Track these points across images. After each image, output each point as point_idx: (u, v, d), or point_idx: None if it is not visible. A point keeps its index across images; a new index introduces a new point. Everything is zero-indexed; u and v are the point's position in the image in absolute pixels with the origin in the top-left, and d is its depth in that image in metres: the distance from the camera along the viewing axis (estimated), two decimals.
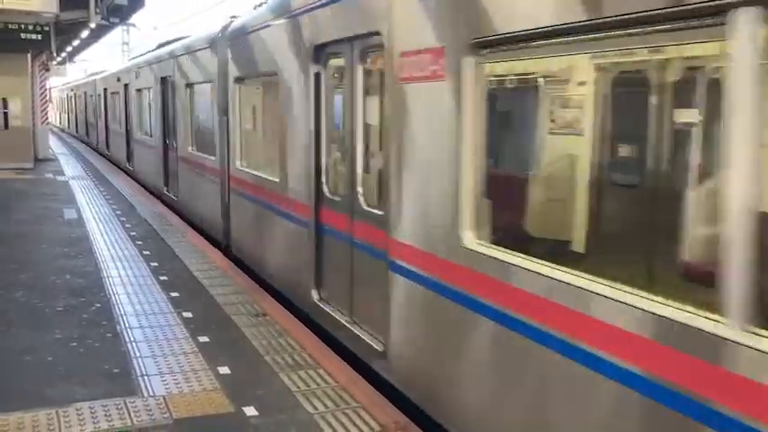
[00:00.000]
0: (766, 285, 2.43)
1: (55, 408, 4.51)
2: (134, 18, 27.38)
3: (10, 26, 16.40)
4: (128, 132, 18.69)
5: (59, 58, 33.14)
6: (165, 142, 13.50)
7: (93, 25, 17.42)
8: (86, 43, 30.24)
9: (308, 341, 5.85)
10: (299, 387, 4.92)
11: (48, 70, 25.49)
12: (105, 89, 23.92)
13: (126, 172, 19.41)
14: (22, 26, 16.48)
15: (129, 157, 18.92)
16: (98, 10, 15.80)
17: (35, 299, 6.98)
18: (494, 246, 3.82)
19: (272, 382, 5.03)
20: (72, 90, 40.85)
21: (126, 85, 18.45)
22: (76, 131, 39.16)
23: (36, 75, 21.93)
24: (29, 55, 19.83)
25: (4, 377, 5.06)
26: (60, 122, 51.96)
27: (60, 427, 4.27)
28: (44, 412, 4.44)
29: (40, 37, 16.91)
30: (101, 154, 26.00)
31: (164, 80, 13.26)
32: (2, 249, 9.32)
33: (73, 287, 7.45)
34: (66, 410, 4.48)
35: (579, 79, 3.73)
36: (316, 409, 4.59)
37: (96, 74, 29.60)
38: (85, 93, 31.88)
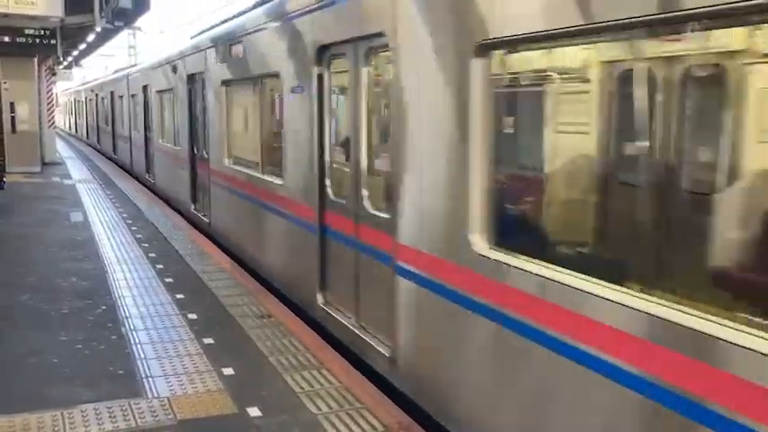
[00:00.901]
0: None
1: (60, 409, 4.54)
2: (139, 22, 26.79)
3: (16, 30, 16.49)
4: (194, 157, 11.69)
5: (66, 63, 33.19)
6: (322, 191, 6.24)
7: (98, 29, 17.47)
8: (93, 47, 30.25)
9: (312, 342, 5.86)
10: (302, 388, 4.93)
11: (54, 74, 25.64)
12: (146, 87, 16.30)
13: (184, 215, 12.45)
14: (29, 30, 16.57)
15: (196, 197, 11.81)
16: (103, 14, 15.85)
17: (41, 301, 7.02)
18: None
19: (275, 382, 5.04)
20: (92, 90, 31.66)
21: (192, 78, 11.34)
22: (98, 143, 30.46)
23: (43, 79, 22.05)
24: (35, 59, 19.94)
25: (10, 379, 5.09)
26: (77, 131, 43.12)
27: (65, 429, 4.29)
28: (49, 414, 4.47)
29: (46, 41, 16.99)
30: (141, 182, 17.94)
31: (324, 51, 6.09)
32: (8, 252, 9.37)
33: (78, 289, 7.49)
34: (70, 412, 4.51)
35: None
36: (319, 409, 4.60)
37: (130, 67, 22.62)
38: (112, 93, 23.97)
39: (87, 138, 35.99)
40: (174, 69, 12.59)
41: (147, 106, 16.30)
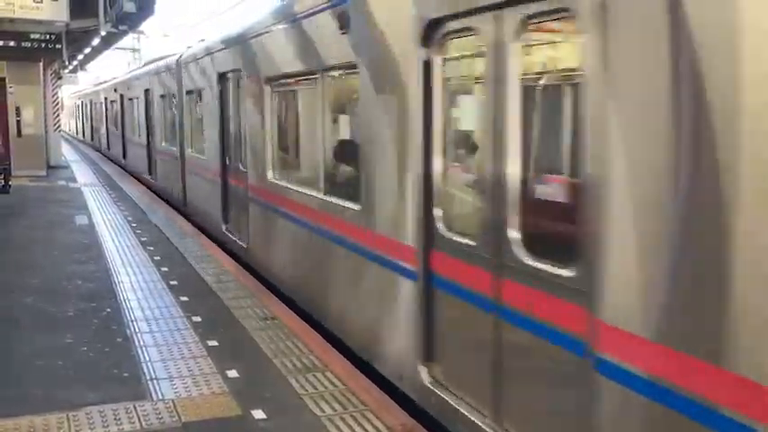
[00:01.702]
0: None
1: (65, 411, 4.55)
2: (143, 26, 26.36)
3: (22, 35, 16.59)
4: (431, 243, 4.29)
5: (71, 67, 33.27)
6: None
7: (103, 33, 17.55)
8: (98, 51, 30.25)
9: (315, 344, 5.87)
10: (306, 390, 4.94)
11: (60, 78, 25.72)
12: (224, 76, 9.70)
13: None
14: (34, 35, 16.66)
15: (434, 349, 4.39)
16: (107, 18, 15.90)
17: (46, 303, 7.05)
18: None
19: (279, 385, 5.05)
20: (115, 90, 23.81)
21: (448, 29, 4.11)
22: (123, 157, 22.80)
23: (48, 83, 22.12)
24: (41, 63, 20.03)
25: (15, 381, 5.11)
26: (93, 139, 35.84)
27: (70, 431, 4.31)
28: (54, 416, 4.49)
29: (51, 45, 17.07)
30: (208, 235, 10.99)
31: None
32: (14, 255, 9.41)
33: (83, 292, 7.51)
34: (76, 414, 4.52)
35: None
36: (323, 411, 4.61)
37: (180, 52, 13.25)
38: (147, 92, 16.84)
39: (108, 149, 27.43)
40: (345, 23, 5.42)
41: (229, 112, 9.66)
